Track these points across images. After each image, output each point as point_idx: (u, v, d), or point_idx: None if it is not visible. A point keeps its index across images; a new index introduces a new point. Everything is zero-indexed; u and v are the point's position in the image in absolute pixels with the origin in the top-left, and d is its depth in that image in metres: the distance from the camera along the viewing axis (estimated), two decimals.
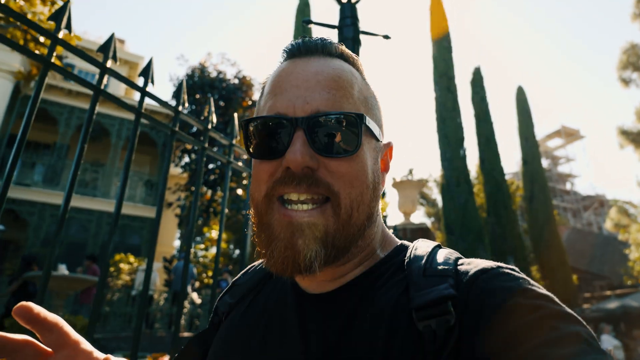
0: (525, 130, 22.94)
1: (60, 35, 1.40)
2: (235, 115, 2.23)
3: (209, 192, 15.56)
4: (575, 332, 0.43)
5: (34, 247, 14.09)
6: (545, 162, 42.34)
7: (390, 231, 0.72)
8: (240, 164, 2.33)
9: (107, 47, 1.58)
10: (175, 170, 18.31)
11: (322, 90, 0.58)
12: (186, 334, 9.92)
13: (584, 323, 0.45)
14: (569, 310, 0.46)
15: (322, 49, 0.65)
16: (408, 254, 0.61)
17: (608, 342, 11.39)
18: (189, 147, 16.01)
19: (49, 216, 14.80)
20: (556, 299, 0.47)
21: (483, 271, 0.52)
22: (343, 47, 0.68)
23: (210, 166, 15.50)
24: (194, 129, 15.18)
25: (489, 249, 18.93)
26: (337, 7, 2.51)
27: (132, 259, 13.26)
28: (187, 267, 1.87)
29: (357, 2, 2.30)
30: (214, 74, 15.94)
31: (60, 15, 1.43)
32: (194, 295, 11.79)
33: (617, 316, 15.51)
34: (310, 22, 2.25)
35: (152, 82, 1.80)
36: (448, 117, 19.31)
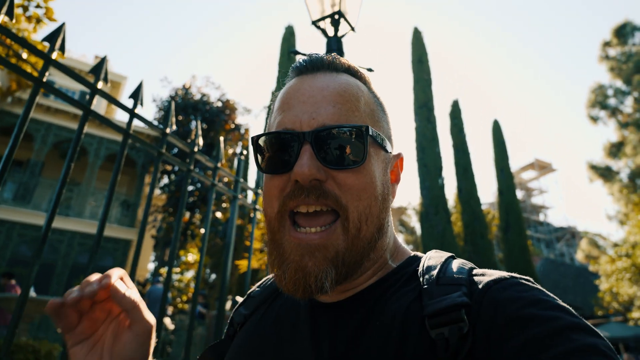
0: (500, 162, 23.66)
1: (54, 56, 1.43)
2: (222, 139, 2.27)
3: (187, 214, 15.32)
4: (593, 344, 0.42)
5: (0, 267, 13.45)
6: (519, 194, 43.57)
7: None
8: (222, 184, 2.36)
9: (99, 68, 1.62)
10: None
11: (327, 105, 0.60)
12: None
13: (602, 335, 0.43)
14: (586, 322, 0.45)
15: (328, 64, 0.66)
16: (421, 264, 0.61)
17: None
18: (168, 168, 15.83)
19: (16, 235, 14.23)
20: (572, 311, 0.46)
21: (497, 281, 0.52)
22: (349, 62, 0.68)
23: (190, 188, 15.34)
24: (175, 150, 15.08)
25: None
26: (321, 35, 2.63)
27: None
28: (166, 294, 1.85)
29: (342, 36, 2.42)
30: (197, 97, 16.00)
31: (55, 36, 1.47)
32: (167, 321, 11.40)
33: None
34: (297, 52, 2.34)
35: (142, 104, 1.83)
36: (427, 146, 19.82)
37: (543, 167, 46.34)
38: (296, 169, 0.56)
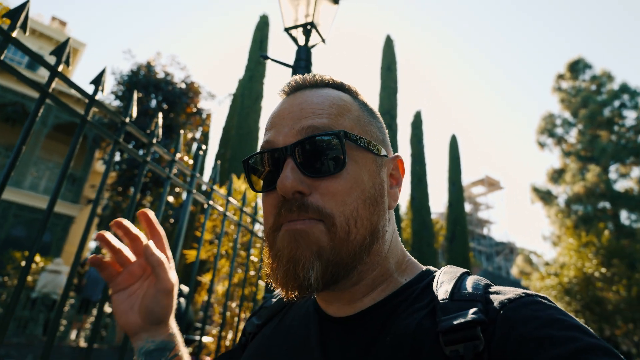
0: (453, 175, 24.67)
1: (15, 34, 1.40)
2: (182, 132, 2.27)
3: (138, 196, 14.78)
4: None
5: None
6: (468, 207, 45.63)
7: None
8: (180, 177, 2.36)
9: (62, 51, 1.59)
10: (102, 168, 17.20)
11: (306, 116, 0.61)
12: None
13: (621, 356, 0.42)
14: (604, 342, 0.43)
15: (310, 82, 0.68)
16: (435, 280, 0.60)
17: None
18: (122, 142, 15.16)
19: None
20: (590, 331, 0.45)
21: (513, 299, 0.50)
22: (332, 77, 0.70)
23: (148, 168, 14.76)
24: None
25: None
26: (295, 34, 2.68)
27: (38, 257, 12.09)
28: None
29: (313, 46, 2.49)
30: (161, 75, 15.44)
31: (17, 13, 1.44)
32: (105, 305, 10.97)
33: None
34: (267, 57, 2.39)
35: (103, 90, 1.81)
36: None
37: (492, 184, 48.80)
38: (278, 183, 0.57)
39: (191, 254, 5.67)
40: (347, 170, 0.59)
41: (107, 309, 11.31)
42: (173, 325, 0.73)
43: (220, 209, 2.60)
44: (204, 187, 2.60)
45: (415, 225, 21.45)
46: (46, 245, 14.72)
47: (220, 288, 5.54)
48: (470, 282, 0.56)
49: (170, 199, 14.60)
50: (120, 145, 1.90)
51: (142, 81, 14.78)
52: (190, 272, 2.33)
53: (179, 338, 0.74)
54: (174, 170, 2.27)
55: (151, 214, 0.74)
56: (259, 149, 0.68)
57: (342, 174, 0.58)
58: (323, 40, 2.56)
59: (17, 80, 14.94)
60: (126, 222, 0.74)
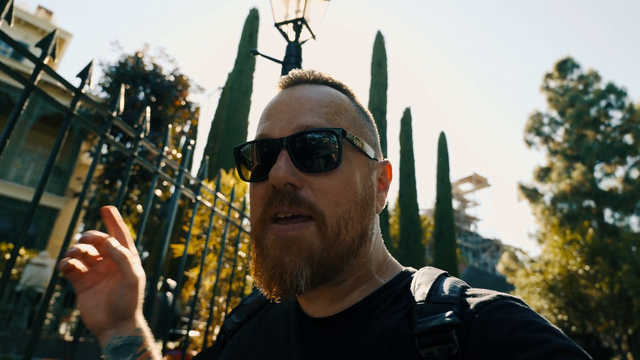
0: (442, 172, 24.87)
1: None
2: (170, 127, 2.26)
3: (125, 189, 14.62)
4: None
5: None
6: (455, 204, 46.10)
7: None
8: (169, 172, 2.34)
9: (47, 43, 1.57)
10: (89, 160, 16.96)
11: (305, 111, 0.61)
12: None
13: (590, 357, 0.44)
14: (575, 344, 0.45)
15: (309, 78, 0.68)
16: (413, 281, 0.61)
17: None
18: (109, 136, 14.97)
19: None
20: (561, 332, 0.46)
21: (488, 302, 0.51)
22: (331, 75, 0.70)
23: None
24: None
25: None
26: (285, 29, 2.68)
27: (22, 250, 11.90)
28: None
29: (303, 42, 2.48)
30: (149, 67, 15.24)
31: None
32: None
33: None
34: (257, 53, 2.38)
35: (89, 83, 1.79)
36: None
37: (479, 181, 49.35)
38: (271, 173, 0.57)
39: (179, 249, 5.64)
40: (341, 169, 0.59)
41: None
42: (140, 320, 0.71)
43: (209, 204, 2.59)
44: (192, 182, 2.58)
45: (403, 221, 21.61)
46: (31, 238, 14.50)
47: (208, 283, 5.53)
48: (447, 285, 0.57)
49: (158, 192, 14.48)
50: (107, 139, 1.88)
51: (130, 73, 14.58)
52: (178, 266, 2.31)
53: (147, 332, 0.72)
54: (162, 164, 2.25)
55: (114, 210, 0.73)
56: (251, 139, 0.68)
57: (335, 172, 0.58)
58: (313, 37, 2.56)
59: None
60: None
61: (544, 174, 24.77)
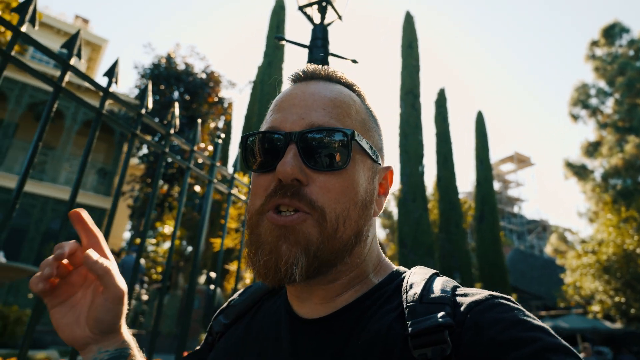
0: (481, 153, 24.04)
1: (24, 29, 1.38)
2: (199, 120, 2.24)
3: (165, 187, 15.13)
4: None
5: None
6: (497, 185, 44.58)
7: None
8: (200, 166, 2.34)
9: (73, 43, 1.56)
10: (132, 161, 17.67)
11: (317, 108, 0.61)
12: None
13: (579, 356, 0.45)
14: (565, 342, 0.46)
15: (323, 75, 0.69)
16: (405, 281, 0.61)
17: None
18: (148, 137, 15.51)
19: None
20: (551, 331, 0.48)
21: (479, 302, 0.52)
22: (344, 75, 0.71)
23: (170, 160, 15.09)
24: (156, 119, 14.72)
25: (438, 264, 19.62)
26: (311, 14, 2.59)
27: None
28: (137, 264, 1.86)
29: (329, 24, 2.38)
30: (181, 67, 15.56)
31: (25, 7, 1.40)
32: (142, 292, 11.40)
33: None
34: (282, 39, 2.30)
35: (117, 82, 1.78)
36: (410, 133, 19.92)
37: (522, 161, 47.38)
38: (279, 167, 0.57)
39: (217, 242, 5.75)
40: (347, 170, 0.60)
41: (144, 296, 11.75)
42: (125, 332, 0.67)
43: (243, 197, 2.57)
44: (227, 176, 2.57)
45: (442, 205, 21.12)
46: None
47: (249, 275, 5.61)
48: (438, 285, 0.58)
49: (197, 188, 14.87)
50: (138, 137, 1.88)
51: (164, 74, 14.96)
52: (218, 258, 2.34)
53: (133, 342, 0.68)
54: (199, 160, 2.25)
55: (84, 213, 0.65)
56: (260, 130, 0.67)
57: (342, 172, 0.59)
58: (339, 17, 2.45)
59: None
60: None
61: (592, 149, 23.37)
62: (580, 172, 23.12)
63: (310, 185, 0.58)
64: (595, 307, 16.66)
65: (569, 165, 23.86)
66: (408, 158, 19.46)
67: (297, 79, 0.70)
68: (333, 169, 0.58)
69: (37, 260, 13.70)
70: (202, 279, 14.64)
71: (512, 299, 0.54)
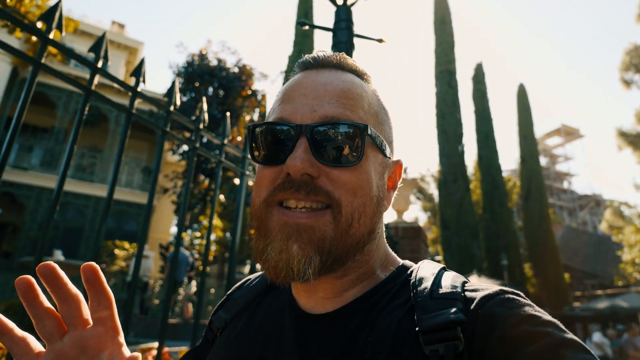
0: (524, 128, 22.95)
1: (51, 35, 1.41)
2: (228, 114, 2.25)
3: (207, 181, 15.57)
4: None
5: (31, 231, 14.15)
6: (543, 161, 42.45)
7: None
8: (233, 161, 2.36)
9: (99, 46, 1.59)
10: (173, 158, 18.29)
11: (329, 100, 0.59)
12: (173, 321, 10.02)
13: (591, 351, 0.44)
14: (576, 337, 0.46)
15: (335, 63, 0.65)
16: (413, 275, 0.60)
17: (599, 339, 11.62)
18: (187, 134, 15.98)
19: (45, 200, 14.83)
20: (562, 326, 0.47)
21: (489, 297, 0.51)
22: (356, 63, 0.68)
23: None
24: (193, 118, 15.13)
25: (483, 245, 19.07)
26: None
27: (127, 245, 13.31)
28: (176, 256, 1.93)
29: (352, 4, 2.31)
30: (214, 62, 15.82)
31: (51, 15, 1.44)
32: (192, 283, 11.88)
33: (605, 316, 15.70)
34: (305, 23, 2.25)
35: (144, 81, 1.81)
36: (448, 112, 19.30)
37: (570, 133, 44.79)
38: (289, 162, 0.55)
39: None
40: (362, 165, 0.58)
41: (193, 288, 12.24)
42: None
43: None
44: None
45: (484, 185, 20.42)
46: (133, 234, 16.16)
47: None
48: (448, 280, 0.57)
49: (237, 181, 15.19)
50: (168, 134, 1.91)
51: (197, 71, 15.28)
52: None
53: None
54: (234, 154, 2.27)
55: (96, 268, 0.48)
56: (267, 118, 0.64)
57: (354, 168, 0.57)
58: None
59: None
60: (60, 273, 0.46)
61: None
62: (635, 141, 21.55)
63: (322, 177, 0.56)
64: None
65: (623, 135, 22.28)
66: (446, 138, 18.89)
67: (307, 66, 0.66)
68: (346, 165, 0.56)
69: (94, 257, 14.59)
70: (246, 269, 15.04)
71: (522, 293, 0.53)
